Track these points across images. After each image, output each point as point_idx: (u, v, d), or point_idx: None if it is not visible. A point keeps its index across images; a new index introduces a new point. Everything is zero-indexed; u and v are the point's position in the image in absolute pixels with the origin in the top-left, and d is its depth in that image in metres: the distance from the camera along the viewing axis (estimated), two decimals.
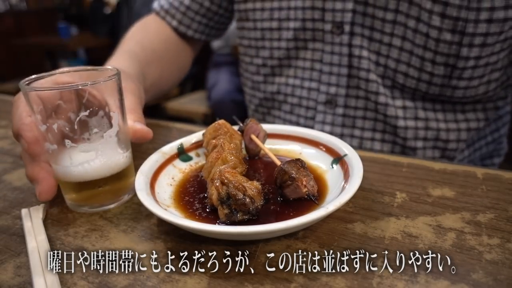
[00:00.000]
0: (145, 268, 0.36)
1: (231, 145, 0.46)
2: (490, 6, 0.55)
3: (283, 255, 0.36)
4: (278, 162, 0.44)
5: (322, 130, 0.66)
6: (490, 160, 0.79)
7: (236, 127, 0.52)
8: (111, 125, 0.45)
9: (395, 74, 0.66)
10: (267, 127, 0.55)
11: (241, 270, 0.35)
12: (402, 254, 0.35)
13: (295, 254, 0.36)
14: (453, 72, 0.61)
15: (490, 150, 0.77)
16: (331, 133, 0.65)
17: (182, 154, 0.51)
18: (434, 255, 0.34)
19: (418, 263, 0.34)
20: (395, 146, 0.71)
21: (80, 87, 0.41)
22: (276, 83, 0.79)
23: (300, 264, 0.35)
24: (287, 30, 0.72)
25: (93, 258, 0.37)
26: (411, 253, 0.35)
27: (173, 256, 0.37)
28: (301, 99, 0.76)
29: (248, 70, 0.83)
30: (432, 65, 0.62)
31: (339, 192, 0.40)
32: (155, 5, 0.86)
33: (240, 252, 0.37)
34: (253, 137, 0.50)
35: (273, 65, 0.77)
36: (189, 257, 0.37)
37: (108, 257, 0.37)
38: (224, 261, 0.36)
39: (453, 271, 0.33)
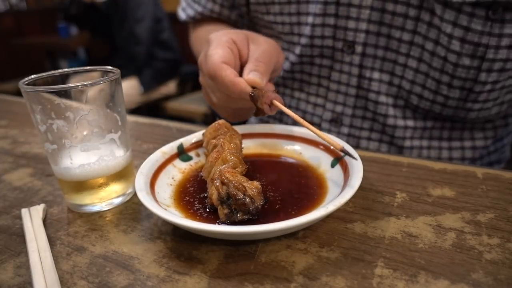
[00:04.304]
0: (145, 268, 0.36)
1: (231, 145, 0.46)
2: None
3: (283, 255, 0.36)
4: (307, 125, 0.44)
5: None
6: (490, 167, 0.79)
7: (237, 127, 0.52)
8: (111, 125, 0.45)
9: (409, 95, 0.64)
10: (267, 127, 0.55)
11: (241, 270, 0.35)
12: (402, 254, 0.35)
13: (295, 254, 0.36)
14: (468, 95, 0.60)
15: (492, 160, 0.76)
16: None
17: (182, 154, 0.51)
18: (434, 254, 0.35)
19: (418, 263, 0.34)
20: None
21: (80, 87, 0.41)
22: (280, 94, 0.78)
23: (300, 264, 0.35)
24: (288, 43, 0.71)
25: (93, 258, 0.38)
26: (411, 253, 0.35)
27: (173, 256, 0.37)
28: (306, 113, 0.75)
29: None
30: (448, 88, 0.60)
31: (339, 192, 0.40)
32: (183, 16, 0.85)
33: (240, 252, 0.37)
34: (276, 102, 0.48)
35: (282, 76, 0.76)
36: (189, 257, 0.37)
37: (108, 257, 0.38)
38: (224, 261, 0.36)
39: (453, 271, 0.33)
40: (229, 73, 0.48)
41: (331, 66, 0.68)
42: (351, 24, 0.63)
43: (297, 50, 0.70)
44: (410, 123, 0.67)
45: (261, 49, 0.53)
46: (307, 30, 0.67)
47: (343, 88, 0.68)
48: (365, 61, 0.65)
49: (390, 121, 0.67)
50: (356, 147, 0.71)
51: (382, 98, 0.66)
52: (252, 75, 0.48)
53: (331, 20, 0.64)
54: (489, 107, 0.63)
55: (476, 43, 0.55)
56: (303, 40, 0.68)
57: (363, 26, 0.62)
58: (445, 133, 0.68)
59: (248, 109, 0.54)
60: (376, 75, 0.65)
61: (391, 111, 0.67)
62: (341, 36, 0.64)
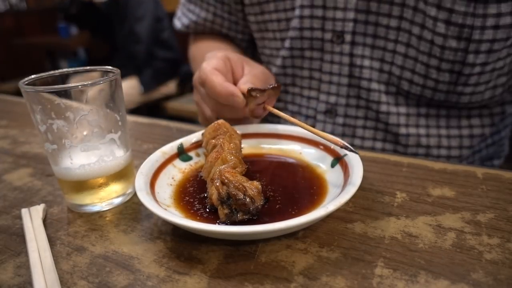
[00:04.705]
0: (145, 268, 0.36)
1: (231, 145, 0.45)
2: (496, 12, 0.53)
3: (283, 255, 0.36)
4: (305, 126, 0.45)
5: None
6: (490, 162, 0.79)
7: (237, 127, 0.52)
8: (111, 125, 0.45)
9: (399, 81, 0.65)
10: (267, 127, 0.55)
11: (241, 270, 0.35)
12: (402, 254, 0.35)
13: (295, 254, 0.36)
14: (458, 78, 0.60)
15: (490, 153, 0.76)
16: None
17: (182, 154, 0.51)
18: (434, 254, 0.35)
19: (418, 263, 0.34)
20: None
21: (80, 87, 0.41)
22: None
23: (300, 264, 0.35)
24: (283, 40, 0.72)
25: (93, 258, 0.38)
26: (411, 253, 0.35)
27: (173, 256, 0.37)
28: (301, 107, 0.76)
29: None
30: (437, 72, 0.61)
31: (339, 192, 0.40)
32: (178, 25, 0.87)
33: (240, 252, 0.37)
34: (269, 107, 0.52)
35: (274, 73, 0.76)
36: (189, 257, 0.37)
37: (108, 257, 0.38)
38: (224, 261, 0.36)
39: (453, 271, 0.33)
40: (219, 78, 0.50)
41: (322, 58, 0.69)
42: (339, 14, 0.64)
43: (287, 43, 0.71)
44: (402, 109, 0.68)
45: (255, 70, 0.56)
46: (295, 22, 0.68)
47: (335, 78, 0.69)
48: (355, 49, 0.66)
49: (383, 108, 0.68)
50: (352, 136, 0.71)
51: (374, 85, 0.67)
52: (246, 86, 0.50)
53: (319, 12, 0.65)
54: (481, 90, 0.63)
55: (460, 24, 0.55)
56: (293, 33, 0.69)
57: (351, 15, 0.63)
58: (442, 121, 0.68)
59: (240, 120, 0.56)
60: (366, 62, 0.66)
61: (383, 98, 0.67)
62: (329, 27, 0.65)
